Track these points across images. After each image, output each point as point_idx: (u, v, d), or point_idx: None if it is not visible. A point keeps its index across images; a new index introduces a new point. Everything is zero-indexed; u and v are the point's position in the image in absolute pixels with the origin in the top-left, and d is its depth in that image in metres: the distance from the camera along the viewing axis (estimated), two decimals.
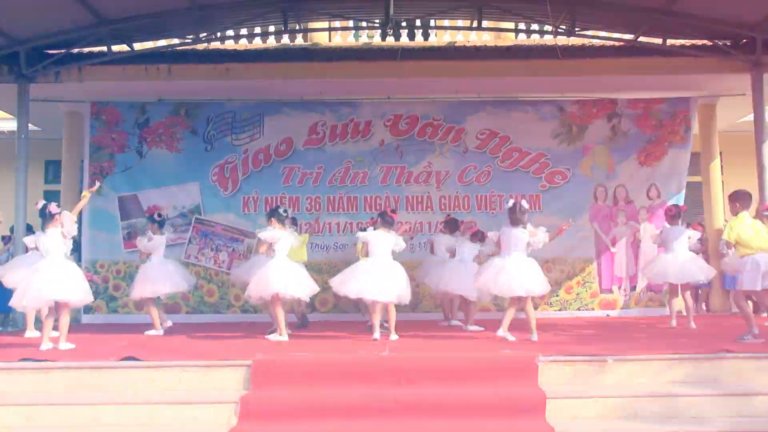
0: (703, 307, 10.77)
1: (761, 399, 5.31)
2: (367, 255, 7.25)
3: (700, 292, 10.61)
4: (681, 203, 10.32)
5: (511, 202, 7.20)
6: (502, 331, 6.92)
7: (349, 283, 7.13)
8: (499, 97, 10.44)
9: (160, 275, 8.00)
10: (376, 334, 7.04)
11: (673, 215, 8.55)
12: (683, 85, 10.27)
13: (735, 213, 6.98)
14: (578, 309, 10.31)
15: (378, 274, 7.07)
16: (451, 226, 9.02)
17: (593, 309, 10.36)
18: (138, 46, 9.77)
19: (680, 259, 8.32)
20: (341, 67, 9.62)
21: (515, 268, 6.98)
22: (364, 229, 7.58)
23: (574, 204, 10.36)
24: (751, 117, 9.99)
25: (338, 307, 10.06)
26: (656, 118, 10.60)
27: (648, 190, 10.56)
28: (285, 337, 7.17)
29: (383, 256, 7.21)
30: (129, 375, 5.61)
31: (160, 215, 8.48)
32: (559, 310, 10.22)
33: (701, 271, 8.37)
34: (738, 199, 7.04)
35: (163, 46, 9.81)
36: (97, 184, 8.09)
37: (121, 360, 5.76)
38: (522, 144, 10.48)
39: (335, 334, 7.75)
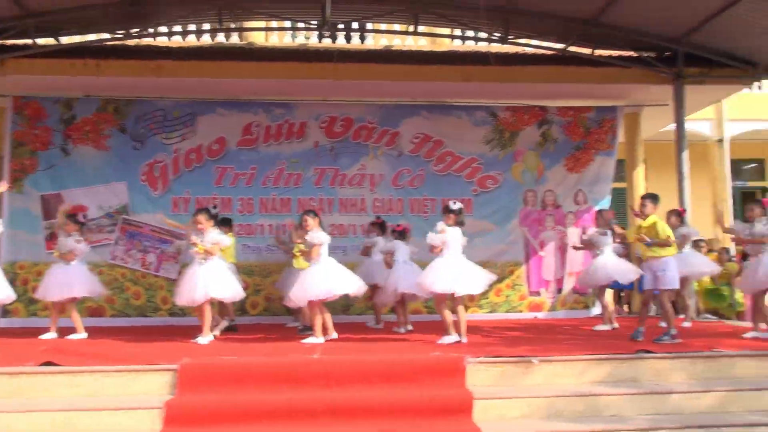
0: (625, 308, 11.14)
1: (676, 397, 5.52)
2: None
3: (622, 294, 10.97)
4: (607, 208, 10.64)
5: (458, 205, 7.25)
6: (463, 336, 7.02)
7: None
8: (433, 101, 10.53)
9: (83, 278, 7.75)
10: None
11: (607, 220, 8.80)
12: (610, 95, 10.59)
13: (647, 215, 7.20)
14: (507, 311, 10.49)
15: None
16: (381, 228, 9.03)
17: (522, 311, 10.55)
18: (65, 39, 9.47)
19: (611, 262, 8.60)
20: (277, 68, 9.53)
21: (467, 267, 7.09)
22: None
23: (505, 208, 10.56)
24: (673, 126, 10.39)
25: (269, 310, 9.96)
26: (584, 126, 10.90)
27: (575, 195, 10.84)
28: (208, 340, 7.08)
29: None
30: (48, 381, 5.40)
31: (85, 216, 8.19)
32: (489, 312, 10.38)
33: (632, 272, 8.67)
34: (656, 202, 7.31)
35: (92, 41, 9.52)
36: (5, 185, 7.79)
37: (40, 365, 5.55)
38: (455, 148, 10.59)
39: (266, 337, 7.67)
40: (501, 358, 5.81)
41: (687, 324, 8.65)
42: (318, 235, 7.18)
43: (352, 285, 7.17)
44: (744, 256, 10.25)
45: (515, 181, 10.70)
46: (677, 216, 8.70)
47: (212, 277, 7.14)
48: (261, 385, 5.40)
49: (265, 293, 9.99)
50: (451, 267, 7.03)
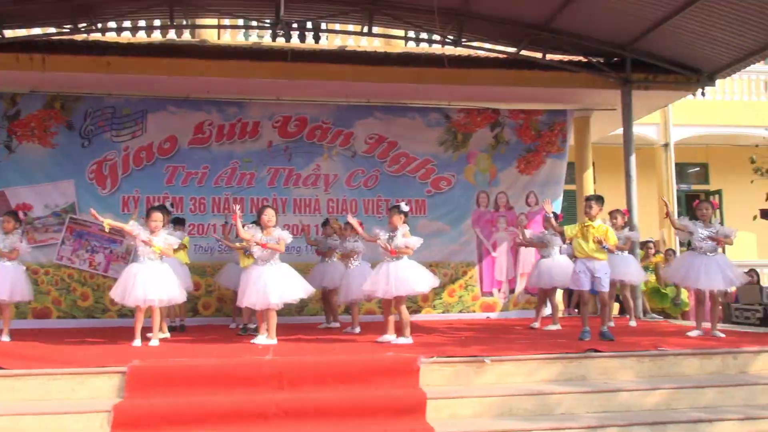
0: (575, 310, 11.32)
1: (624, 395, 5.62)
2: None
3: (573, 294, 11.14)
4: (558, 210, 10.81)
5: (407, 206, 7.24)
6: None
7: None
8: (387, 102, 10.53)
9: (15, 281, 7.47)
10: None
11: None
12: (560, 99, 10.76)
13: (593, 216, 7.33)
14: (460, 311, 10.55)
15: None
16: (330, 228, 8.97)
17: (474, 311, 10.63)
18: (10, 33, 9.16)
19: (557, 264, 8.72)
20: (230, 66, 9.39)
21: (416, 266, 7.10)
22: None
23: (458, 209, 10.63)
24: (620, 131, 10.61)
25: (221, 311, 9.82)
26: (535, 129, 11.04)
27: (527, 197, 10.98)
28: (156, 342, 6.93)
29: None
30: None
31: (26, 214, 7.92)
32: (443, 312, 10.44)
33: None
34: (601, 203, 7.44)
35: (38, 35, 9.23)
36: None
37: None
38: (409, 149, 10.62)
39: (217, 338, 7.54)
40: (454, 358, 5.83)
41: (632, 323, 8.84)
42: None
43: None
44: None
45: (468, 182, 10.78)
46: (622, 216, 8.88)
47: (153, 279, 6.94)
48: (212, 387, 5.30)
49: (217, 294, 9.84)
50: (413, 267, 7.06)
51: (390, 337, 7.04)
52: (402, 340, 6.93)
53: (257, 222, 7.20)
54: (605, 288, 7.28)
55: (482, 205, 10.85)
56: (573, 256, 9.16)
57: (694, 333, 7.49)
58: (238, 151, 10.21)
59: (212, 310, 9.87)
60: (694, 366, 6.17)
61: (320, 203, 10.33)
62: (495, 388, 5.62)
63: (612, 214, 8.70)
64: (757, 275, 10.99)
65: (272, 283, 6.83)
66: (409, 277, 6.96)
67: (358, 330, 8.16)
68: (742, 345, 6.53)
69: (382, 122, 10.58)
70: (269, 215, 7.07)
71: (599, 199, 7.47)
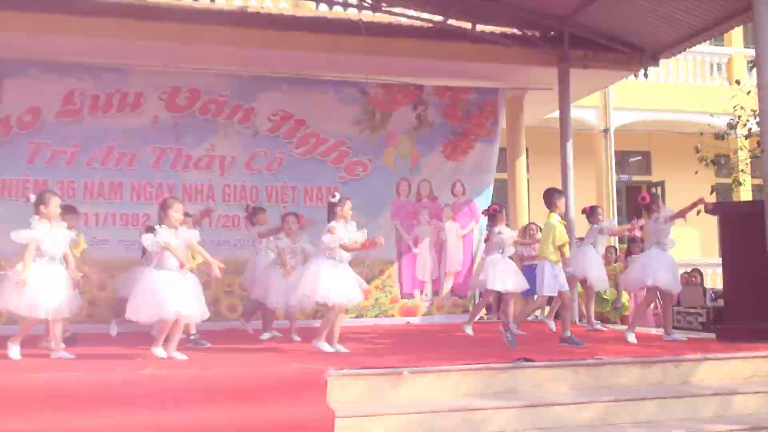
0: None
1: (558, 409, 5.71)
2: None
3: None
4: (488, 201, 10.96)
5: (337, 196, 7.18)
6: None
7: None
8: (295, 74, 10.40)
9: None
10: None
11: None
12: (492, 75, 10.89)
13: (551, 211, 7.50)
14: (377, 316, 10.57)
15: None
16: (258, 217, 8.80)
17: (393, 316, 10.68)
18: None
19: (512, 267, 8.88)
20: (107, 25, 9.01)
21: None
22: None
23: (376, 199, 10.61)
24: (557, 113, 10.84)
25: (93, 317, 9.45)
26: (463, 109, 11.14)
27: (453, 186, 11.08)
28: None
29: None
30: None
31: None
32: (356, 317, 10.39)
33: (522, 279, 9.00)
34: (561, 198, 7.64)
35: None
36: None
37: None
38: (320, 129, 10.54)
39: (95, 350, 7.23)
40: (368, 369, 5.79)
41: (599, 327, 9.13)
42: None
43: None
44: (629, 255, 10.90)
45: (387, 168, 10.81)
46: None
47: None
48: (77, 407, 5.06)
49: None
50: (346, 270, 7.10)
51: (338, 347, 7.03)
52: (323, 346, 6.95)
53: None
54: (566, 287, 7.54)
55: (403, 194, 10.87)
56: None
57: (629, 336, 7.72)
58: (116, 126, 9.86)
59: (82, 317, 9.45)
60: (633, 376, 6.35)
61: (214, 190, 10.10)
62: (414, 404, 5.60)
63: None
64: (701, 276, 11.45)
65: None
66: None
67: (297, 338, 8.14)
68: (685, 352, 6.76)
69: (289, 97, 10.45)
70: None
71: (561, 193, 7.79)
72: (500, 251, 8.87)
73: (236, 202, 10.08)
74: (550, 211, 7.50)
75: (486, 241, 9.36)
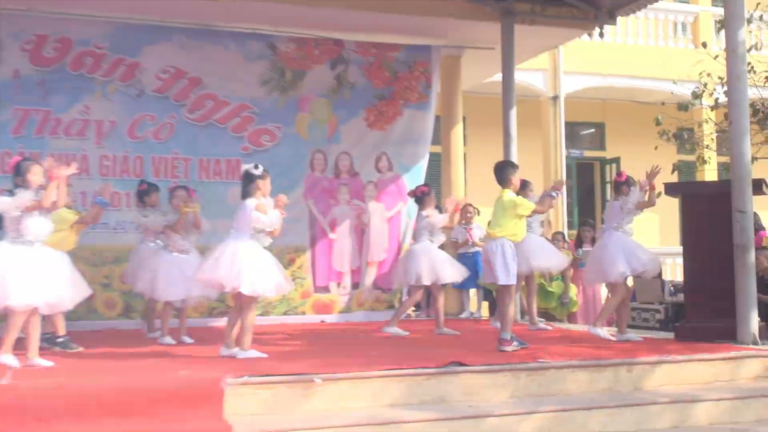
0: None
1: (494, 421, 5.79)
2: None
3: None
4: (420, 179, 11.02)
5: (245, 167, 7.15)
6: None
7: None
8: (190, 23, 10.27)
9: None
10: None
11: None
12: (424, 30, 10.93)
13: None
14: (285, 313, 10.55)
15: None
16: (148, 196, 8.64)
17: (304, 313, 10.67)
18: None
19: (442, 255, 8.93)
20: None
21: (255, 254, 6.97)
22: None
23: (285, 174, 10.44)
24: (499, 77, 10.94)
25: None
26: (391, 70, 11.16)
27: (378, 159, 11.11)
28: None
29: None
30: None
31: None
32: (260, 314, 10.27)
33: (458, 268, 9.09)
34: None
35: None
36: None
37: None
38: (219, 90, 10.45)
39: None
40: (273, 377, 5.76)
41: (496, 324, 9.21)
42: None
43: None
44: (579, 242, 11.14)
45: (300, 137, 10.77)
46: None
47: None
48: None
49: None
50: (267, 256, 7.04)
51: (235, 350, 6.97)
52: (252, 354, 6.87)
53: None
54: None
55: (318, 168, 10.84)
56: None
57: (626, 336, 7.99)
58: None
59: None
60: (581, 381, 6.49)
61: (89, 161, 9.91)
62: (328, 417, 5.61)
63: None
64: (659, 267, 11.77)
65: None
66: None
67: (189, 340, 8.09)
68: (639, 354, 6.94)
69: (182, 50, 10.33)
70: None
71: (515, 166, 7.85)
72: (429, 238, 8.92)
73: (116, 176, 9.92)
74: (504, 188, 7.52)
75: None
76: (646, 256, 8.07)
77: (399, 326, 8.99)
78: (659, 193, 8.22)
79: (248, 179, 7.07)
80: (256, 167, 7.14)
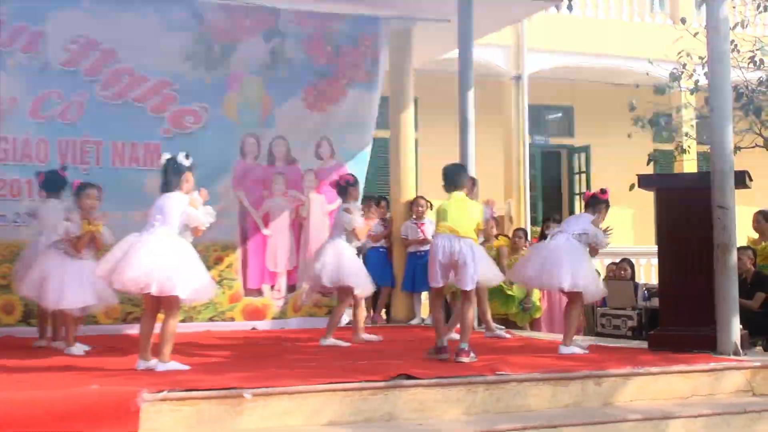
0: (383, 315, 11.68)
1: None
2: None
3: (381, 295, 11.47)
4: (364, 169, 11.04)
5: (169, 157, 7.10)
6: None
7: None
8: None
9: None
10: None
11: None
12: (369, 0, 10.93)
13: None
14: (211, 319, 10.53)
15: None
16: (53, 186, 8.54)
17: (233, 319, 10.66)
18: None
19: (353, 260, 8.94)
20: None
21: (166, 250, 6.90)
22: None
23: (212, 161, 10.39)
24: (455, 53, 11.00)
25: None
26: (333, 44, 11.16)
27: (318, 145, 11.12)
28: None
29: None
30: None
31: None
32: (182, 321, 10.22)
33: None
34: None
35: None
36: None
37: None
38: (137, 64, 10.39)
39: None
40: (196, 392, 5.73)
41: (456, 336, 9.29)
42: None
43: None
44: (543, 237, 11.23)
45: (228, 120, 10.75)
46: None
47: None
48: None
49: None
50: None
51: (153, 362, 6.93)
52: (172, 365, 6.84)
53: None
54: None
55: (249, 155, 10.83)
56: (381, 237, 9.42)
57: (570, 349, 8.02)
58: None
59: None
60: (544, 396, 6.55)
61: None
62: None
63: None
64: (632, 268, 11.93)
65: None
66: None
67: (77, 350, 7.95)
68: (608, 366, 7.03)
69: (94, 18, 10.21)
70: None
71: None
72: (347, 237, 8.90)
73: (16, 161, 9.84)
74: (456, 191, 7.59)
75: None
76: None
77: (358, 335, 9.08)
78: (632, 185, 8.30)
79: (176, 170, 7.05)
80: (187, 157, 7.13)
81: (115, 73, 10.31)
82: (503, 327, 10.39)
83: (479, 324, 10.27)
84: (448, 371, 6.65)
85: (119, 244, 7.02)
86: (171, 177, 7.04)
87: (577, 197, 17.39)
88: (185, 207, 6.92)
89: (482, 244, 9.84)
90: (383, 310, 11.73)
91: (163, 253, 6.81)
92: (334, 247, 8.86)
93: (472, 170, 10.43)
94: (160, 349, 6.90)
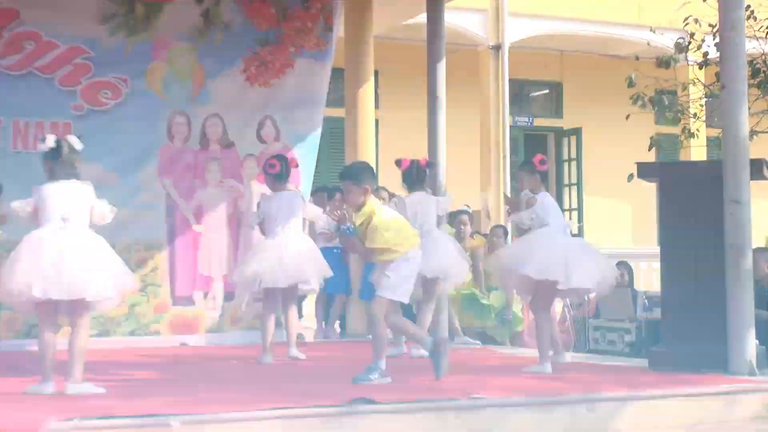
0: (337, 328, 11.66)
1: None
2: None
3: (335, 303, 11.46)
4: (314, 152, 11.03)
5: (51, 140, 7.05)
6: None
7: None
8: None
9: None
10: None
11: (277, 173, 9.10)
12: None
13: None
14: (132, 333, 10.50)
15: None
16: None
17: (159, 333, 10.64)
18: None
19: (292, 251, 8.94)
20: None
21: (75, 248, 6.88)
22: None
23: (133, 144, 10.53)
24: (424, 18, 11.00)
25: None
26: (279, 6, 11.11)
27: (261, 125, 11.13)
28: None
29: None
30: None
31: None
32: (98, 335, 10.21)
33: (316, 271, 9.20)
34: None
35: None
36: None
37: None
38: (44, 29, 10.35)
39: None
40: (113, 419, 5.69)
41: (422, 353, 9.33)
42: None
43: None
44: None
45: (153, 94, 10.75)
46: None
47: None
48: None
49: None
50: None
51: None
52: (85, 388, 6.83)
53: None
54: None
55: (178, 137, 10.82)
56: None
57: (538, 368, 8.03)
58: None
59: None
60: (526, 424, 6.56)
61: None
62: None
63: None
64: (630, 274, 11.99)
65: None
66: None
67: None
68: (602, 388, 7.07)
69: None
70: None
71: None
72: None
73: None
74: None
75: None
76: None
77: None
78: (631, 175, 8.36)
79: (73, 155, 7.06)
80: (81, 139, 7.16)
81: (16, 38, 10.27)
82: (478, 341, 10.44)
83: (452, 337, 10.33)
84: (414, 395, 6.66)
85: (20, 245, 6.97)
86: (60, 162, 7.04)
87: (567, 189, 17.47)
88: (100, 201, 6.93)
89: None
90: (337, 322, 11.71)
91: (74, 252, 6.81)
92: (275, 243, 8.97)
93: (443, 157, 10.48)
94: (69, 368, 6.86)
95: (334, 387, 7.03)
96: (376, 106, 11.94)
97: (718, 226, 7.74)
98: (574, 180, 17.38)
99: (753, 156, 7.85)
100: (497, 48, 15.44)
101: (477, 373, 7.88)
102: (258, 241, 9.63)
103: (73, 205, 6.94)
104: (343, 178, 7.63)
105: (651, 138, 11.76)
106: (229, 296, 10.91)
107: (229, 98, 11.00)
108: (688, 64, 11.89)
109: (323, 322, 11.46)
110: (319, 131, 11.33)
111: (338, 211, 7.66)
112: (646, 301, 11.07)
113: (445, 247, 9.16)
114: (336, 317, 11.64)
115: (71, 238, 6.86)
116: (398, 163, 9.11)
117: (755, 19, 9.98)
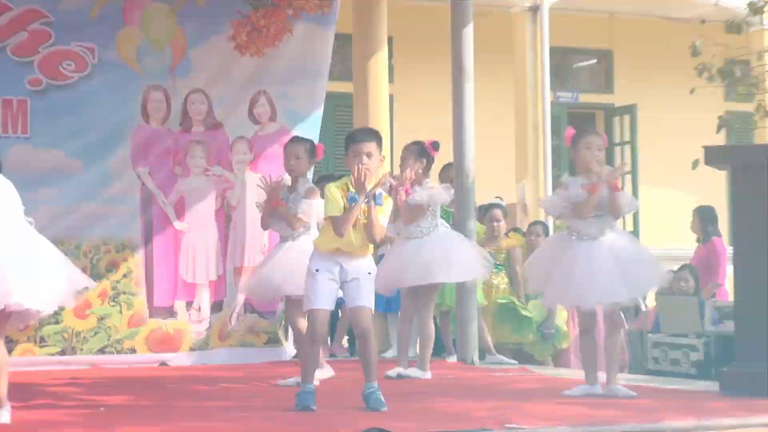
0: (345, 344, 11.62)
1: None
2: None
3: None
4: (317, 133, 11.01)
5: None
6: None
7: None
8: None
9: None
10: None
11: None
12: None
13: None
14: (102, 350, 10.49)
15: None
16: None
17: (135, 351, 10.64)
18: None
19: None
20: None
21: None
22: None
23: (102, 124, 10.57)
24: None
25: None
26: None
27: (253, 103, 11.12)
28: None
29: None
30: None
31: None
32: (58, 353, 10.24)
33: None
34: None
35: None
36: None
37: None
38: None
39: None
40: None
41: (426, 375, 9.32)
42: None
43: None
44: None
45: (125, 66, 10.78)
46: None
47: None
48: None
49: None
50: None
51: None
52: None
53: None
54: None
55: (155, 117, 10.81)
56: None
57: (579, 390, 7.96)
58: None
59: None
60: None
61: None
62: None
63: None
64: (696, 278, 11.91)
65: None
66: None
67: None
68: (663, 416, 7.00)
69: None
70: None
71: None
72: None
73: None
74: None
75: None
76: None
77: None
78: (695, 162, 8.29)
79: None
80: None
81: None
82: (515, 361, 10.39)
83: (482, 356, 10.31)
84: (438, 424, 6.60)
85: None
86: None
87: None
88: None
89: (485, 245, 9.89)
90: (345, 338, 11.67)
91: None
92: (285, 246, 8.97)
93: (471, 140, 10.41)
94: None
95: (341, 415, 6.99)
96: (390, 80, 11.94)
97: None
98: (627, 167, 17.30)
99: None
100: (535, 9, 15.40)
101: (513, 399, 7.83)
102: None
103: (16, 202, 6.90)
104: (369, 138, 7.49)
105: (719, 117, 11.69)
106: (216, 307, 10.89)
107: (215, 71, 11.04)
108: (765, 30, 11.83)
109: (329, 339, 11.42)
110: (321, 109, 11.30)
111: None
112: (715, 311, 10.98)
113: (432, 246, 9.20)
114: (343, 333, 11.60)
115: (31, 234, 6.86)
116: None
117: None
